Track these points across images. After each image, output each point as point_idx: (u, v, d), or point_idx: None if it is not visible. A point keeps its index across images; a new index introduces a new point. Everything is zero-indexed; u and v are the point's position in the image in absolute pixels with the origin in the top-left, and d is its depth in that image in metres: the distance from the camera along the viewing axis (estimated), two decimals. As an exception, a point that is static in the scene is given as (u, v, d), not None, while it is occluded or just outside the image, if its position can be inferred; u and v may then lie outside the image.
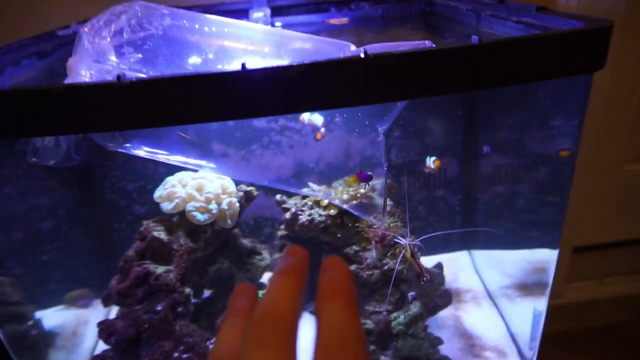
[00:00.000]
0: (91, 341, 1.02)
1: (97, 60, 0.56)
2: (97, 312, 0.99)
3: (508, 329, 0.94)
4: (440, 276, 0.88)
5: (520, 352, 0.88)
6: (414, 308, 0.76)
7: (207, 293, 1.04)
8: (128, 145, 0.58)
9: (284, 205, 0.94)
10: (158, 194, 0.81)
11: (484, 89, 0.47)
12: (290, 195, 0.98)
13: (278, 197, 0.96)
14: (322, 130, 0.76)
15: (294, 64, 0.45)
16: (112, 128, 0.48)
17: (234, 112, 0.46)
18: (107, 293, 0.81)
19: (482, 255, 1.15)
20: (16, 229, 1.08)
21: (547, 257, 0.79)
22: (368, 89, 0.46)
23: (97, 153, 1.09)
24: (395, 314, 0.77)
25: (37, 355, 0.96)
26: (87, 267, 1.25)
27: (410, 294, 0.78)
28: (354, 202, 0.82)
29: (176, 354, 0.71)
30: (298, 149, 0.90)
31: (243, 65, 0.45)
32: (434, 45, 0.51)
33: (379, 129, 0.66)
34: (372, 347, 0.76)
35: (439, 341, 0.81)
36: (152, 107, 0.47)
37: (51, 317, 1.14)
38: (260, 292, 0.76)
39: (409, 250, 0.73)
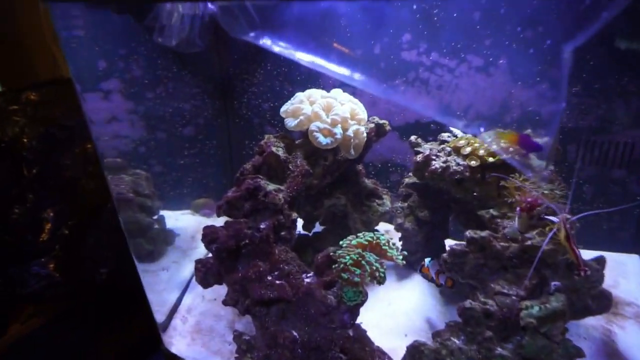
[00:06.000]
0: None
1: None
2: (219, 222, 1.01)
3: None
4: (598, 273, 0.68)
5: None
6: (555, 302, 0.60)
7: (319, 228, 0.99)
8: (252, 34, 0.51)
9: (417, 148, 0.82)
10: (285, 108, 0.76)
11: None
12: (426, 140, 0.86)
13: (413, 138, 0.84)
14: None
15: None
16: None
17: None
18: (220, 203, 0.79)
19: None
20: (161, 130, 1.14)
21: None
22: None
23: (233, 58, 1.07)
24: (528, 303, 0.61)
25: (153, 247, 1.01)
26: (216, 178, 1.29)
27: (554, 283, 0.61)
28: (506, 155, 0.67)
29: (269, 277, 0.66)
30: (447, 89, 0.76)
31: None
32: None
33: (565, 51, 0.48)
34: (488, 334, 0.63)
35: (579, 353, 0.63)
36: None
37: (177, 219, 1.21)
38: (370, 235, 0.65)
39: (563, 230, 0.57)
